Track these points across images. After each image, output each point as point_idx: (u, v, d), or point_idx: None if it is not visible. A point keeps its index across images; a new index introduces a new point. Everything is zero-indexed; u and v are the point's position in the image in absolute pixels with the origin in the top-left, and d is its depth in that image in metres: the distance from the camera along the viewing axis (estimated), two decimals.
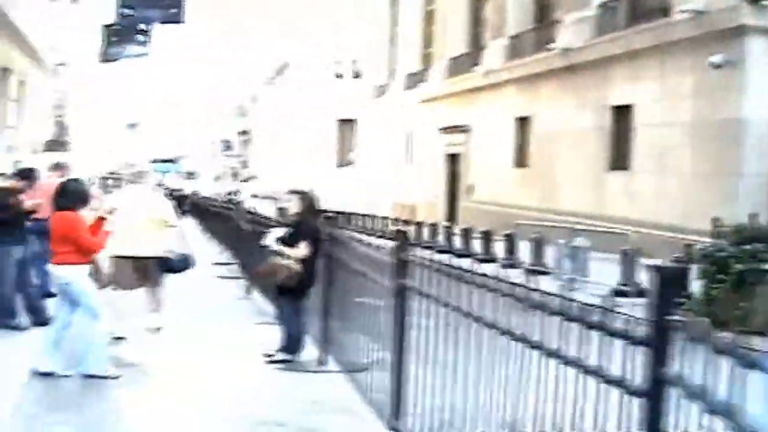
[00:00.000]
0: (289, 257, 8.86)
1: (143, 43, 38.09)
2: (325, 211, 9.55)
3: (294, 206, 9.28)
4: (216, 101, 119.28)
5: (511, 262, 18.78)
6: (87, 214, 9.01)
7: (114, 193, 12.70)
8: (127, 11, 32.77)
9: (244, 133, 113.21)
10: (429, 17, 44.21)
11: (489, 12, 34.98)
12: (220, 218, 22.13)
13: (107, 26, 37.47)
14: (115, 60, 41.92)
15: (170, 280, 11.30)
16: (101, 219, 8.86)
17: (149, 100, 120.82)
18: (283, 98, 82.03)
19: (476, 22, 37.60)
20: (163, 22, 33.89)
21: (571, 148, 26.95)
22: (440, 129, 37.67)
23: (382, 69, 51.48)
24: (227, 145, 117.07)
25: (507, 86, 31.87)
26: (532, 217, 25.58)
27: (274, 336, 9.74)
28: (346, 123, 71.44)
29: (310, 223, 9.14)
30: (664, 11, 23.12)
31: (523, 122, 30.55)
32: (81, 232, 8.57)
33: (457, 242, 23.99)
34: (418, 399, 6.13)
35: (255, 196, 50.01)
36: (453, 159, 37.18)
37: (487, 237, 21.48)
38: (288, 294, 9.08)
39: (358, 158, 56.60)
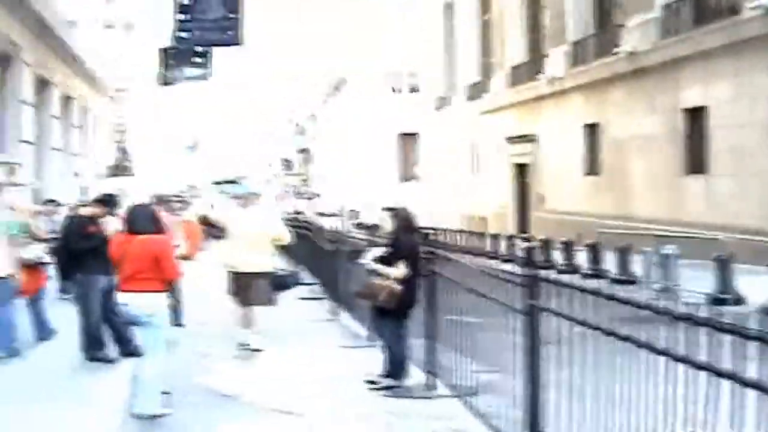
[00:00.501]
0: (387, 277, 8.63)
1: (201, 65, 38.21)
2: (421, 228, 9.28)
3: (388, 224, 9.08)
4: (275, 120, 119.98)
5: (596, 272, 18.50)
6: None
7: (231, 213, 12.63)
8: (183, 34, 32.78)
9: (303, 151, 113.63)
10: (485, 27, 44.02)
11: (548, 19, 34.65)
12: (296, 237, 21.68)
13: (164, 50, 37.63)
14: (173, 83, 42.15)
15: None
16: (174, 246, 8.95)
17: (208, 121, 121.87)
18: (341, 115, 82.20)
19: (535, 29, 37.31)
20: (220, 45, 33.87)
21: (644, 153, 26.56)
22: (506, 139, 37.43)
23: (441, 81, 51.31)
24: (287, 164, 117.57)
25: (572, 93, 31.56)
26: (606, 226, 25.27)
27: (370, 359, 9.58)
28: (407, 137, 71.37)
29: (407, 241, 8.88)
30: (733, 9, 22.65)
31: (591, 129, 30.21)
32: (171, 257, 8.52)
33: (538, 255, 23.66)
34: (554, 422, 5.94)
35: (321, 214, 50.01)
36: (521, 169, 36.90)
37: (568, 247, 21.18)
38: (389, 316, 8.84)
39: (421, 171, 56.38)
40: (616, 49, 27.65)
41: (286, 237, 12.31)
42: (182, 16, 32.46)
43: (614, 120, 28.57)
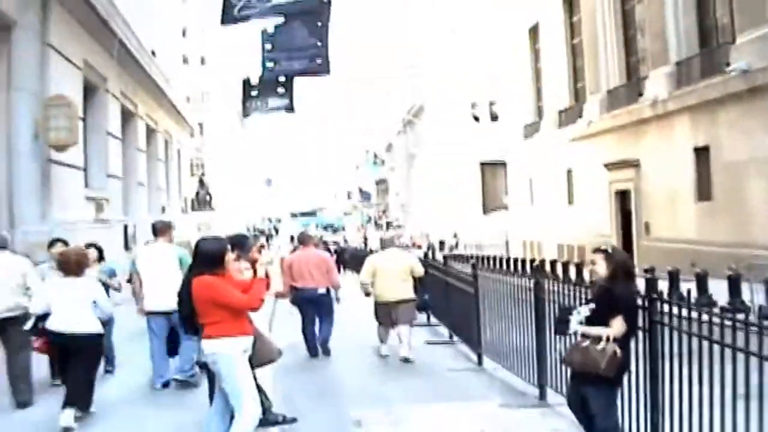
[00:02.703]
0: (602, 340, 7.10)
1: (285, 96, 37.24)
2: (633, 273, 7.70)
3: (600, 269, 7.36)
4: (352, 151, 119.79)
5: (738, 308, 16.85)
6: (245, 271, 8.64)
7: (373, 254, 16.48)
8: (270, 64, 31.83)
9: (381, 182, 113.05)
10: (575, 50, 42.66)
11: (647, 40, 33.15)
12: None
13: (246, 81, 36.82)
14: (255, 114, 41.32)
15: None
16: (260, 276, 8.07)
17: (285, 154, 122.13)
18: (420, 144, 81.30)
19: (631, 51, 35.91)
20: (309, 74, 32.91)
21: (761, 177, 24.89)
22: (605, 165, 35.89)
23: (528, 108, 49.93)
24: (366, 195, 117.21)
25: (678, 115, 30.02)
26: (719, 254, 23.76)
27: (543, 422, 8.79)
28: (489, 166, 70.17)
29: (625, 290, 7.29)
30: None
31: (701, 152, 28.59)
32: (225, 292, 7.67)
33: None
34: None
35: (405, 246, 48.87)
36: (622, 196, 35.34)
37: (700, 280, 19.51)
38: (602, 384, 7.22)
39: (511, 201, 54.96)
40: (728, 68, 26.03)
41: (421, 270, 14.90)
42: (269, 45, 31.69)
43: (727, 142, 26.98)
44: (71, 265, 9.87)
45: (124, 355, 12.70)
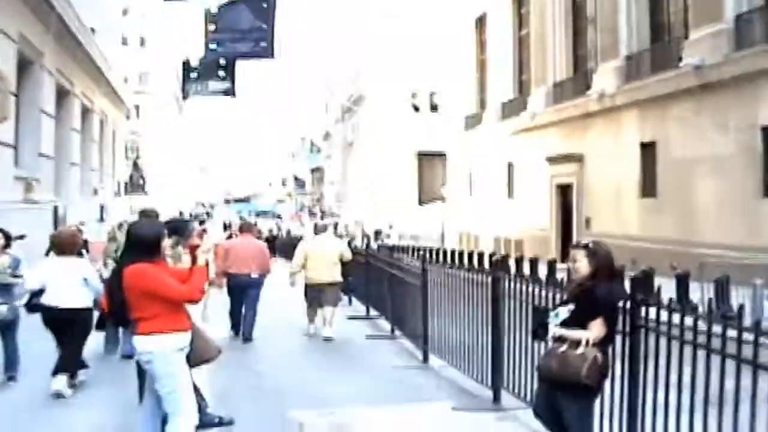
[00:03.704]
0: (580, 344, 6.22)
1: (225, 79, 36.44)
2: (615, 271, 6.95)
3: (582, 266, 6.50)
4: (289, 138, 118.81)
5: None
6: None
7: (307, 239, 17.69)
8: (213, 46, 31.05)
9: (316, 170, 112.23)
10: (522, 42, 42.28)
11: (597, 34, 32.84)
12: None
13: (186, 63, 35.97)
14: (191, 97, 40.52)
15: None
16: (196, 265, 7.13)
17: (221, 139, 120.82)
18: (357, 133, 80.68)
19: (580, 44, 35.55)
20: (252, 57, 32.17)
21: (711, 174, 24.64)
22: (547, 159, 35.57)
23: (470, 99, 49.49)
24: (300, 183, 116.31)
25: (626, 110, 29.73)
26: (664, 252, 23.52)
27: (500, 427, 8.23)
28: (427, 157, 69.75)
29: (607, 290, 6.44)
30: None
31: (647, 148, 28.32)
32: (162, 283, 6.75)
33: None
34: None
35: (339, 235, 48.25)
36: (563, 190, 35.04)
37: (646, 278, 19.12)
38: (576, 391, 6.27)
39: (449, 193, 54.55)
40: (681, 63, 25.78)
41: (349, 254, 15.87)
42: (212, 26, 30.82)
43: (675, 138, 26.69)
44: (65, 245, 10.41)
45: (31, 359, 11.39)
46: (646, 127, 28.55)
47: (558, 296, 7.58)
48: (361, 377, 11.40)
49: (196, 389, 7.37)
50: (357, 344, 14.50)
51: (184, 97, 40.96)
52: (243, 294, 14.66)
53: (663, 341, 6.45)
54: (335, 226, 55.14)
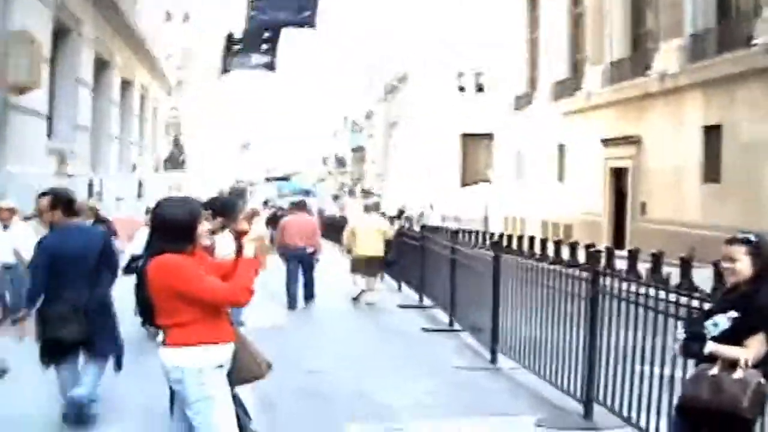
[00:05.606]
0: (736, 365, 4.91)
1: (268, 52, 35.28)
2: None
3: (744, 266, 5.12)
4: (330, 117, 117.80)
5: None
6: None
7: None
8: (254, 12, 29.97)
9: (358, 149, 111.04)
10: (577, 20, 40.73)
11: (659, 11, 31.27)
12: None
13: (230, 36, 34.94)
14: (232, 70, 39.38)
15: None
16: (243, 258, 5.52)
17: (263, 116, 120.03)
18: (401, 113, 79.44)
19: (640, 22, 34.00)
20: (295, 25, 30.96)
21: None
22: (601, 141, 34.14)
23: (521, 79, 47.99)
24: (341, 162, 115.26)
25: (689, 91, 28.27)
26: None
27: None
28: (473, 138, 68.39)
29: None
30: None
31: (711, 131, 26.84)
32: (196, 280, 5.23)
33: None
34: None
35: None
36: (618, 174, 33.64)
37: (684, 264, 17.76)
38: (732, 426, 4.92)
39: (496, 175, 53.17)
40: (752, 42, 24.24)
41: (391, 231, 18.25)
42: None
43: (743, 122, 25.23)
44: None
45: None
46: (711, 109, 27.09)
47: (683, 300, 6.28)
48: (420, 379, 10.21)
49: (237, 401, 5.94)
50: (412, 338, 13.49)
51: (226, 70, 39.80)
52: (301, 263, 16.50)
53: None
54: (377, 205, 53.72)
